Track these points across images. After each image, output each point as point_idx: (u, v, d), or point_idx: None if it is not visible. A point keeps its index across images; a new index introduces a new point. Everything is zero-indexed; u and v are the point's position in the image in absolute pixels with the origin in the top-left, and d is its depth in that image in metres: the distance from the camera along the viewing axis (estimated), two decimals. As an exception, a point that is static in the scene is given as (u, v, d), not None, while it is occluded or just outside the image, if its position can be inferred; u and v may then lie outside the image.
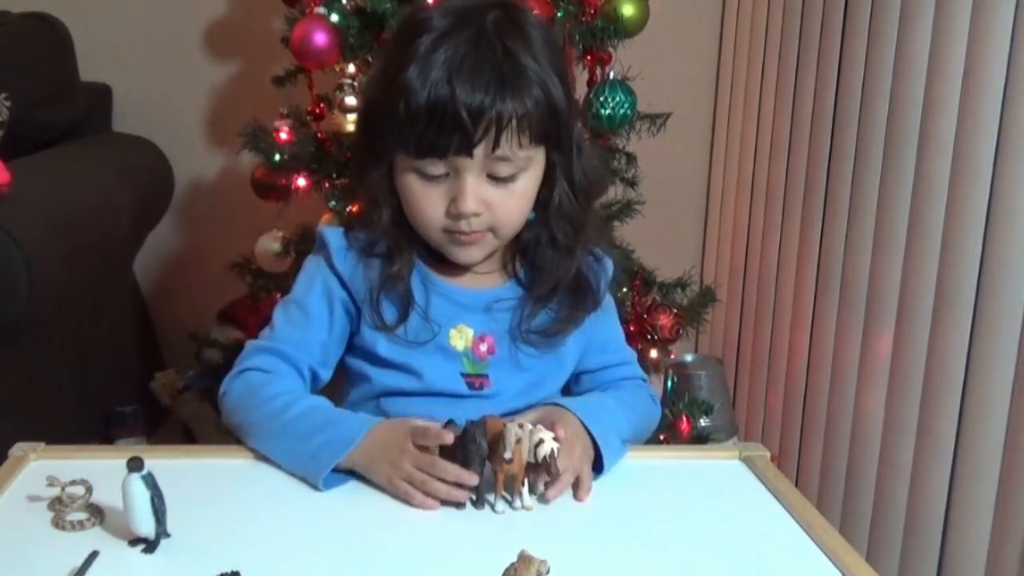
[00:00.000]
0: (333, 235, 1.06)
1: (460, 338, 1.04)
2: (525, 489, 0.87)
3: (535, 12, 1.03)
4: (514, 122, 0.94)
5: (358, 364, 1.07)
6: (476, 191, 0.97)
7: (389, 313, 1.03)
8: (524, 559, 0.69)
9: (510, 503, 0.87)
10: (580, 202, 1.05)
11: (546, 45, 0.99)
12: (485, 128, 0.94)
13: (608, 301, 1.14)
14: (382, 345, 1.04)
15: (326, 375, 1.07)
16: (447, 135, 0.94)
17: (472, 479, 0.87)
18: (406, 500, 0.88)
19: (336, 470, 0.91)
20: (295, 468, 0.94)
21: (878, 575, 0.76)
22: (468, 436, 0.86)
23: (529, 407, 1.05)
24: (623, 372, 1.14)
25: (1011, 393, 1.38)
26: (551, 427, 0.89)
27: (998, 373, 1.39)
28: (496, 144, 0.95)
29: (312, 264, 1.08)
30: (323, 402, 1.01)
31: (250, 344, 1.06)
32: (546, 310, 1.06)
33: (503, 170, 0.97)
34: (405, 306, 1.03)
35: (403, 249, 1.04)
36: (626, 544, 0.82)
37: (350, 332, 1.07)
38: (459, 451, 0.86)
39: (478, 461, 0.86)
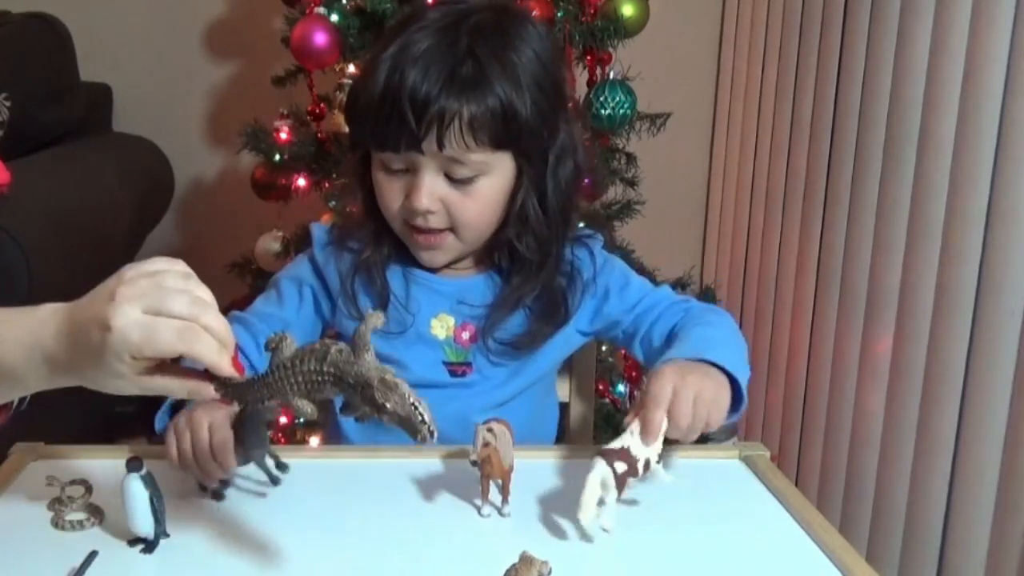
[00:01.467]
0: (318, 229, 1.10)
1: (441, 327, 1.05)
2: (588, 512, 0.81)
3: (538, 22, 1.02)
4: (457, 122, 0.93)
5: None
6: (431, 189, 0.97)
7: (366, 304, 1.05)
8: (525, 560, 0.69)
9: (498, 509, 0.87)
10: (550, 218, 1.02)
11: (533, 56, 0.97)
12: (428, 123, 0.93)
13: (615, 274, 1.09)
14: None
15: None
16: (395, 127, 0.94)
17: (221, 472, 0.84)
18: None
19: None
20: None
21: (878, 575, 0.76)
22: (257, 415, 0.82)
23: (513, 397, 1.06)
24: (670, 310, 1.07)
25: (1011, 393, 1.38)
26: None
27: (998, 373, 1.39)
28: (440, 142, 0.94)
29: (298, 256, 1.12)
30: None
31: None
32: (516, 317, 1.05)
33: (458, 171, 0.97)
34: (383, 297, 1.04)
35: (377, 238, 1.05)
36: (627, 544, 0.82)
37: (324, 322, 1.09)
38: (241, 427, 0.83)
39: (255, 442, 0.83)
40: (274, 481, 0.88)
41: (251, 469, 0.88)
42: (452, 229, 1.00)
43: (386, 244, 1.05)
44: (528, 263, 1.03)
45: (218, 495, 0.86)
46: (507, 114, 0.95)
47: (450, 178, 0.97)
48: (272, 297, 1.09)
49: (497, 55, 0.95)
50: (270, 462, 0.88)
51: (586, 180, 1.72)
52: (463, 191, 0.98)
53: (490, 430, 0.83)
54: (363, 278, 1.05)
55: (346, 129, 1.69)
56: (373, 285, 1.04)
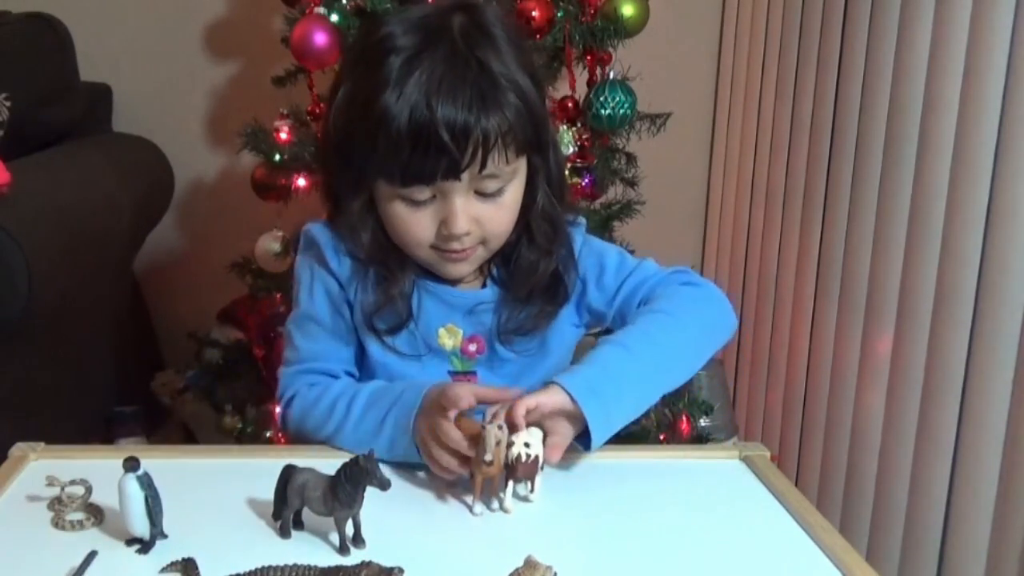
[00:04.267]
0: (321, 232, 1.03)
1: (449, 337, 1.05)
2: (508, 492, 0.86)
3: (493, 4, 1.01)
4: (500, 140, 0.92)
5: None
6: (466, 211, 0.95)
7: (383, 324, 1.03)
8: (530, 564, 0.68)
9: (488, 506, 0.87)
10: (557, 200, 1.04)
11: (511, 42, 0.97)
12: (472, 150, 0.91)
13: (590, 261, 1.08)
14: (373, 347, 1.04)
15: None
16: (433, 160, 0.91)
17: (461, 450, 0.87)
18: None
19: None
20: (390, 457, 0.94)
21: (878, 575, 0.76)
22: (357, 470, 0.78)
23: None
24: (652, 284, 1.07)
25: (1011, 393, 1.38)
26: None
27: (998, 373, 1.39)
28: (483, 164, 0.92)
29: (305, 269, 1.06)
30: (373, 386, 1.01)
31: (283, 373, 1.05)
32: (524, 309, 1.05)
33: (491, 186, 0.96)
34: (401, 320, 1.02)
35: (397, 272, 1.02)
36: (628, 545, 0.82)
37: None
38: (347, 484, 0.78)
39: (359, 497, 0.78)
40: (343, 551, 0.79)
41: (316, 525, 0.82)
42: (482, 242, 1.00)
43: (408, 271, 1.02)
44: (533, 256, 1.03)
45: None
46: (529, 112, 0.95)
47: (480, 194, 0.96)
48: (314, 332, 1.05)
49: (497, 56, 0.94)
50: (350, 530, 0.80)
51: (587, 180, 1.73)
52: (494, 204, 0.97)
53: (500, 428, 0.84)
54: (389, 308, 1.02)
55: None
56: (396, 312, 1.02)
